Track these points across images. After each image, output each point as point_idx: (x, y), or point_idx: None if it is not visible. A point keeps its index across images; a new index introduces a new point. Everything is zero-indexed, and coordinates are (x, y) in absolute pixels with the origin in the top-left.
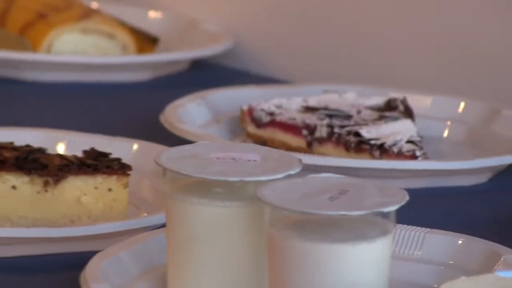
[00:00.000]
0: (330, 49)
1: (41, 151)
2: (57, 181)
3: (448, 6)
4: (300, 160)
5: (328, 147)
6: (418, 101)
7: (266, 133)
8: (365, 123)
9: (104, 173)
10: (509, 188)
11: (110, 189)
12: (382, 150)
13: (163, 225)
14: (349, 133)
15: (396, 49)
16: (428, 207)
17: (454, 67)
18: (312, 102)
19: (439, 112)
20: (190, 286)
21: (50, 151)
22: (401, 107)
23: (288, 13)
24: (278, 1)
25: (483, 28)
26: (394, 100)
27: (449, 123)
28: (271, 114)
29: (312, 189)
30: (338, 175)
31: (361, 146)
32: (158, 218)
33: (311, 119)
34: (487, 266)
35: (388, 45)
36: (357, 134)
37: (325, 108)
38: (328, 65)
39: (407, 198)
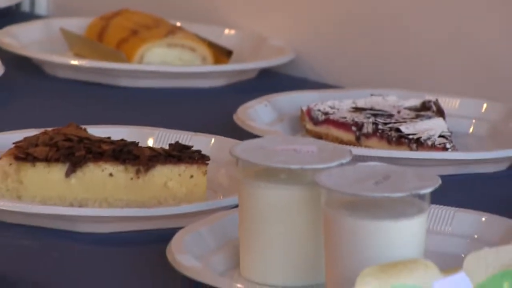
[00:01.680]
0: (375, 60)
1: (134, 144)
2: (147, 169)
3: (474, 21)
4: (350, 151)
5: (373, 141)
6: (448, 103)
7: (322, 129)
8: (404, 121)
9: (187, 162)
10: None
11: (191, 176)
12: (419, 143)
13: (236, 206)
14: (391, 129)
15: (430, 60)
16: (456, 191)
17: (478, 73)
18: (360, 103)
19: (466, 112)
20: (259, 257)
21: (141, 144)
22: (434, 108)
23: (339, 31)
24: (331, 21)
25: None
26: (428, 102)
27: (474, 121)
28: (326, 113)
29: (361, 175)
30: (382, 164)
31: (401, 140)
32: (232, 200)
33: (359, 117)
34: (506, 239)
35: (423, 56)
36: (397, 130)
37: (371, 109)
38: (373, 73)
39: (440, 182)
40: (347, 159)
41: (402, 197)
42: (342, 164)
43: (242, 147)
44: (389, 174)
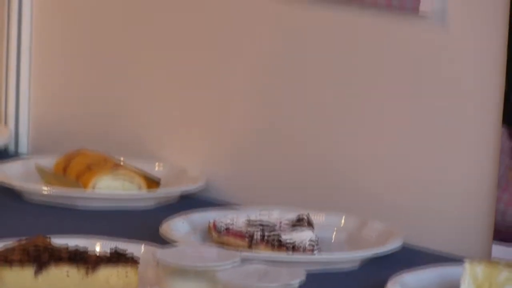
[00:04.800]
0: (264, 187)
1: (84, 250)
2: (94, 269)
3: (340, 149)
4: (239, 254)
5: (261, 246)
6: (316, 217)
7: (224, 238)
8: (284, 231)
9: (123, 264)
10: (373, 271)
11: (126, 273)
12: (294, 248)
13: None
14: (274, 237)
15: (303, 183)
16: (320, 283)
17: (340, 194)
18: (252, 218)
19: (329, 224)
20: None
21: (90, 250)
22: (306, 221)
23: (237, 165)
24: (230, 159)
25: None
26: (302, 216)
27: (335, 229)
28: (227, 226)
29: (249, 272)
30: (265, 264)
31: (281, 246)
32: None
33: (251, 229)
34: None
35: (299, 181)
36: (279, 238)
37: (260, 222)
38: (262, 196)
39: (304, 278)
40: (239, 260)
41: (276, 287)
42: (235, 264)
43: (163, 252)
44: (270, 271)
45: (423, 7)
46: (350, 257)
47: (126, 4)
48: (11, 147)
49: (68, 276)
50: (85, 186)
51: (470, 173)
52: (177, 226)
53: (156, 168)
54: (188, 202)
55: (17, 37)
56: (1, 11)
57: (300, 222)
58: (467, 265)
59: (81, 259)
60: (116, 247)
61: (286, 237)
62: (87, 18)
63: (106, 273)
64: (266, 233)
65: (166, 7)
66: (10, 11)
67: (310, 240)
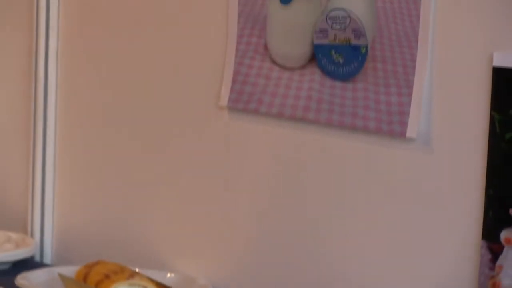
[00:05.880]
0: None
1: None
2: None
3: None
4: None
5: None
6: None
7: None
8: None
9: None
10: None
11: None
12: None
13: None
14: None
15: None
16: None
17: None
18: None
19: None
20: None
21: None
22: None
23: (239, 274)
24: (236, 269)
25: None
26: None
27: None
28: None
29: None
30: None
31: None
32: None
33: None
34: None
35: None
36: None
37: None
38: None
39: None
40: None
41: None
42: None
43: None
44: None
45: (410, 132)
46: None
47: (140, 134)
48: (37, 258)
49: None
50: None
51: (452, 282)
52: None
53: (168, 276)
54: None
55: (42, 155)
56: (27, 128)
57: None
58: None
59: None
60: None
61: None
62: (107, 135)
63: None
64: None
65: (176, 137)
66: (36, 125)
67: None
